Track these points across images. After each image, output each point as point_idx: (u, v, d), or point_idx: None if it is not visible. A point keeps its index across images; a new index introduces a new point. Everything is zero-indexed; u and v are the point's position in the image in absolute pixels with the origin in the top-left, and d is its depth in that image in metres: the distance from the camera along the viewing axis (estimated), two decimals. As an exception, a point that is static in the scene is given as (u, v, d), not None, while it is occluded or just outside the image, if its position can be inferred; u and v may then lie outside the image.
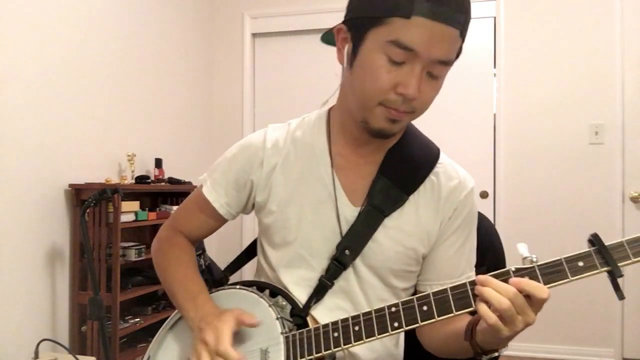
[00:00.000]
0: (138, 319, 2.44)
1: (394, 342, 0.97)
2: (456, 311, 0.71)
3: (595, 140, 2.98)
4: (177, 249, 1.01)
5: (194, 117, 3.41)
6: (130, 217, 2.36)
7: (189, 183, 2.91)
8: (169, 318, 1.00)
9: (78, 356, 1.79)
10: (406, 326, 0.73)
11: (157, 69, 2.96)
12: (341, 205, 0.89)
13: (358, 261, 0.89)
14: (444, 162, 0.94)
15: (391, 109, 0.79)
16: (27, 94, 2.05)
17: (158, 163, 2.77)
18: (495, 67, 3.17)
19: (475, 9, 3.42)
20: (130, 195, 2.44)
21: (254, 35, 3.59)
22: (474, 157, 3.17)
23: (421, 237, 0.89)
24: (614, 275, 0.65)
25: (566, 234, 3.01)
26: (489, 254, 1.00)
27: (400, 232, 0.88)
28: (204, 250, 1.15)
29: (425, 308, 0.73)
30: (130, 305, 2.50)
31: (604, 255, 0.65)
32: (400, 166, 0.90)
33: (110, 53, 2.54)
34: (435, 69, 0.77)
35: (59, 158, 2.21)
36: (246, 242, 3.24)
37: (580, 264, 0.67)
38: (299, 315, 0.88)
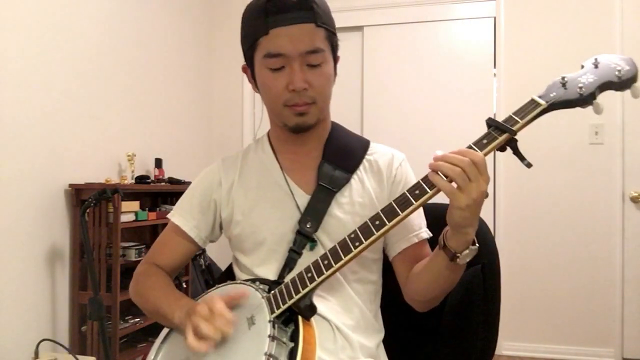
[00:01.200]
0: (138, 319, 2.44)
1: (372, 314, 1.03)
2: (401, 212, 0.81)
3: (595, 140, 2.98)
4: (154, 277, 1.06)
5: (194, 117, 3.41)
6: (130, 217, 2.36)
7: (189, 183, 2.89)
8: (161, 333, 1.01)
9: (78, 356, 1.80)
10: (365, 240, 0.83)
11: (157, 69, 2.96)
12: (298, 197, 1.00)
13: (324, 238, 0.98)
14: (375, 146, 1.09)
15: (293, 106, 0.94)
16: (27, 94, 2.05)
17: (158, 163, 2.77)
18: (495, 67, 3.17)
19: (475, 9, 3.45)
20: (130, 195, 2.44)
21: (254, 35, 3.59)
22: (474, 157, 3.17)
23: (373, 204, 0.99)
24: (514, 143, 0.81)
25: (566, 234, 3.01)
26: (483, 249, 1.01)
27: (352, 205, 0.99)
28: (204, 251, 1.16)
29: (377, 222, 0.83)
30: (130, 305, 2.50)
31: (499, 127, 0.80)
32: (339, 152, 1.04)
33: (110, 53, 2.54)
34: (311, 59, 0.92)
35: (59, 158, 2.21)
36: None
37: (485, 141, 0.81)
38: (276, 283, 0.94)
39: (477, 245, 0.83)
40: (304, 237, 0.96)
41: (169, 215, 1.11)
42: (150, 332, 2.52)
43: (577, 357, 2.98)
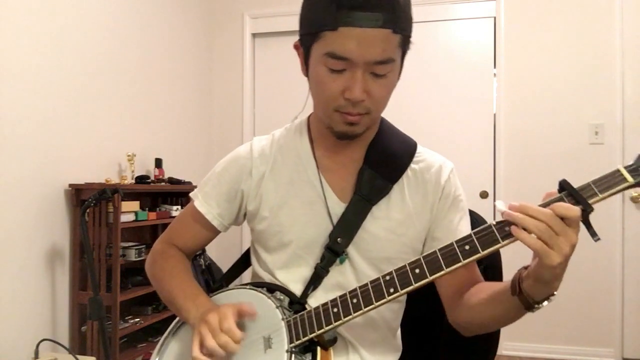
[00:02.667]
0: (138, 319, 2.44)
1: (392, 333, 0.99)
2: (446, 268, 0.73)
3: (595, 140, 2.98)
4: (173, 259, 1.03)
5: (194, 117, 3.41)
6: (130, 217, 2.36)
7: (189, 183, 2.91)
8: (171, 325, 1.00)
9: (78, 356, 1.80)
10: (401, 289, 0.76)
11: (157, 69, 2.96)
12: (331, 203, 0.93)
13: (354, 253, 0.92)
14: (422, 152, 0.99)
15: (345, 114, 0.85)
16: (27, 94, 2.05)
17: (158, 163, 2.77)
18: (495, 67, 3.17)
19: (475, 9, 3.45)
20: (130, 195, 2.44)
21: (254, 35, 3.59)
22: (474, 157, 3.17)
23: (412, 223, 0.93)
24: (586, 214, 0.69)
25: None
26: None
27: (389, 220, 0.92)
28: (204, 251, 1.15)
29: (417, 271, 0.75)
30: (130, 305, 2.50)
31: (574, 197, 0.70)
32: (382, 158, 0.95)
33: (110, 53, 2.54)
34: (377, 69, 0.81)
35: (59, 158, 2.21)
36: (246, 243, 3.22)
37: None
38: (297, 303, 0.91)
39: (556, 293, 0.74)
40: (333, 254, 0.90)
41: (192, 195, 1.04)
42: (151, 332, 2.52)
43: (577, 357, 2.98)
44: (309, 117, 1.02)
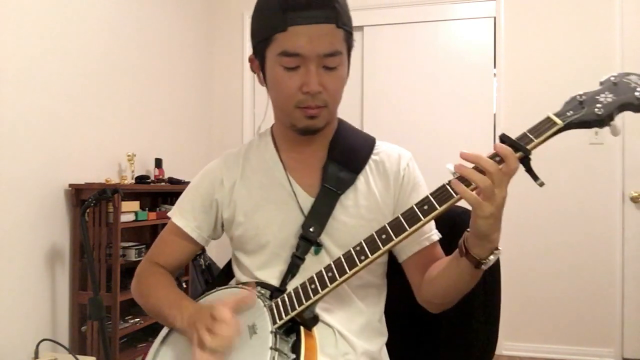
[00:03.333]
0: (138, 319, 2.44)
1: (377, 317, 1.02)
2: (409, 227, 0.78)
3: (595, 140, 2.98)
4: (156, 275, 1.06)
5: (194, 117, 3.41)
6: (130, 217, 2.36)
7: (189, 183, 2.90)
8: (160, 333, 1.01)
9: (78, 356, 1.80)
10: (371, 255, 0.80)
11: (157, 69, 2.96)
12: (301, 199, 0.97)
13: (328, 242, 0.96)
14: (381, 145, 1.05)
15: (305, 108, 0.90)
16: (27, 94, 2.05)
17: (158, 163, 2.77)
18: (495, 67, 3.17)
19: (475, 9, 3.45)
20: (130, 195, 2.44)
21: (254, 35, 3.59)
22: (474, 157, 3.17)
23: (379, 208, 0.98)
24: (527, 161, 0.77)
25: (566, 234, 3.01)
26: None
27: (358, 207, 0.97)
28: (204, 251, 1.15)
29: (384, 236, 0.80)
30: (130, 305, 2.50)
31: (514, 145, 0.76)
32: (344, 152, 1.00)
33: (110, 53, 2.54)
34: (328, 62, 0.88)
35: (59, 158, 2.21)
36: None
37: (497, 158, 0.75)
38: (278, 291, 0.93)
39: (500, 248, 0.79)
40: (307, 242, 0.94)
41: (169, 214, 1.09)
42: (150, 332, 2.52)
43: (577, 357, 2.98)
44: (272, 126, 1.09)
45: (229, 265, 1.14)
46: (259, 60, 0.95)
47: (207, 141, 3.56)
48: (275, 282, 0.96)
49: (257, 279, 0.98)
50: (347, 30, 0.90)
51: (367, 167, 1.00)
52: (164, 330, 1.00)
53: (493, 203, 0.73)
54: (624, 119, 2.94)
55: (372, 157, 1.01)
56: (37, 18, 2.10)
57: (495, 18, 3.17)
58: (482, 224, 0.74)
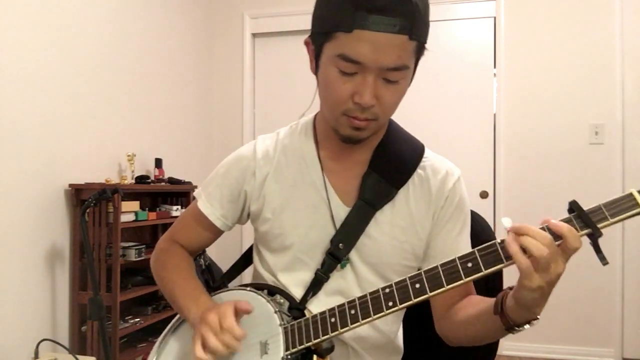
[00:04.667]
0: (138, 319, 2.44)
1: (394, 335, 0.98)
2: (447, 285, 0.72)
3: (595, 140, 2.98)
4: (176, 258, 1.03)
5: (194, 117, 3.41)
6: (130, 217, 2.36)
7: (189, 183, 2.91)
8: (171, 322, 1.00)
9: (78, 356, 1.80)
10: (400, 304, 0.75)
11: (157, 69, 2.96)
12: (334, 206, 0.91)
13: (356, 259, 0.91)
14: (430, 156, 0.97)
15: (353, 118, 0.82)
16: (27, 94, 2.04)
17: (158, 163, 2.77)
18: (495, 67, 3.17)
19: (475, 9, 3.45)
20: (130, 195, 2.44)
21: (254, 35, 3.59)
22: (474, 157, 3.17)
23: (415, 230, 0.91)
24: (595, 238, 0.67)
25: (566, 234, 3.00)
26: None
27: (393, 226, 0.91)
28: (204, 251, 1.15)
29: (417, 285, 0.74)
30: (130, 305, 2.50)
31: (583, 219, 0.67)
32: (388, 162, 0.92)
33: (110, 53, 2.54)
34: (390, 75, 0.78)
35: (59, 158, 2.21)
36: (246, 243, 3.21)
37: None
38: (297, 309, 0.90)
39: (539, 317, 0.72)
40: (334, 259, 0.89)
41: (195, 194, 1.04)
42: (151, 332, 2.52)
43: (577, 357, 2.98)
44: (314, 117, 1.00)
45: (246, 254, 1.11)
46: (315, 48, 0.84)
47: (207, 141, 3.55)
48: (296, 291, 0.93)
49: (279, 282, 0.95)
50: (421, 42, 0.81)
51: (409, 182, 0.92)
52: (175, 320, 1.00)
53: (543, 277, 0.66)
54: (624, 118, 2.95)
55: (418, 170, 0.93)
56: (38, 18, 2.10)
57: (495, 18, 3.17)
58: (527, 295, 0.68)
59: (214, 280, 1.14)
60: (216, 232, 1.04)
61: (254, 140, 1.02)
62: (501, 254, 0.69)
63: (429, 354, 1.10)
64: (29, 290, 2.05)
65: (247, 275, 1.14)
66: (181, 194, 2.87)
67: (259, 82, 3.62)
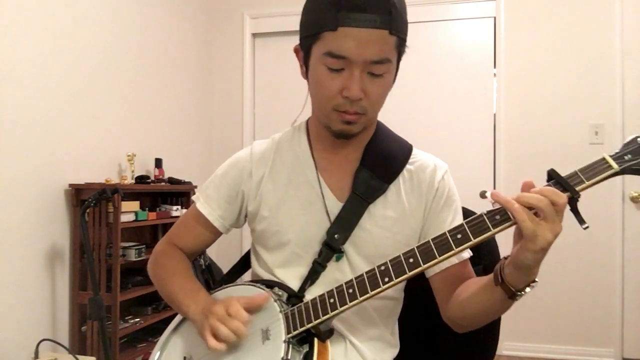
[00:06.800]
0: (138, 319, 2.44)
1: (390, 329, 1.01)
2: (439, 256, 0.75)
3: (595, 140, 2.98)
4: (174, 259, 1.05)
5: (194, 117, 3.41)
6: (130, 217, 2.36)
7: (189, 183, 2.91)
8: (173, 321, 1.02)
9: (78, 356, 1.80)
10: (396, 278, 0.78)
11: (157, 69, 2.96)
12: (329, 202, 0.95)
13: (351, 250, 0.94)
14: (417, 154, 1.02)
15: (343, 113, 0.88)
16: (27, 94, 2.05)
17: (158, 163, 2.77)
18: (495, 67, 3.17)
19: (475, 9, 3.44)
20: (130, 195, 2.44)
21: (254, 35, 3.59)
22: (474, 157, 3.17)
23: (407, 222, 0.95)
24: (574, 202, 0.73)
25: (566, 234, 2.99)
26: (484, 249, 1.02)
27: (385, 219, 0.95)
28: (204, 251, 1.15)
29: (411, 260, 0.78)
30: (130, 305, 2.50)
31: (562, 184, 0.73)
32: (379, 159, 0.98)
33: (110, 53, 2.54)
34: (374, 69, 0.85)
35: (59, 158, 2.21)
36: (246, 245, 3.21)
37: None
38: (295, 296, 0.93)
39: (537, 280, 0.76)
40: (330, 250, 0.93)
41: (194, 198, 1.08)
42: (150, 332, 2.52)
43: (577, 357, 2.98)
44: (307, 120, 1.05)
45: (245, 257, 1.14)
46: (304, 53, 0.92)
47: (207, 141, 3.55)
48: (293, 284, 0.95)
49: (276, 278, 0.98)
50: (400, 37, 0.86)
51: (400, 177, 0.97)
52: (177, 319, 1.01)
53: (544, 238, 0.70)
54: (624, 118, 2.95)
55: (407, 166, 0.98)
56: (38, 18, 2.10)
57: (495, 18, 3.17)
58: (530, 257, 0.71)
59: (214, 280, 1.15)
60: (214, 234, 1.07)
61: (250, 145, 1.07)
62: (487, 222, 0.73)
63: (427, 353, 1.10)
64: (29, 290, 2.05)
65: (246, 278, 1.15)
66: (181, 194, 2.87)
67: (259, 82, 3.62)
